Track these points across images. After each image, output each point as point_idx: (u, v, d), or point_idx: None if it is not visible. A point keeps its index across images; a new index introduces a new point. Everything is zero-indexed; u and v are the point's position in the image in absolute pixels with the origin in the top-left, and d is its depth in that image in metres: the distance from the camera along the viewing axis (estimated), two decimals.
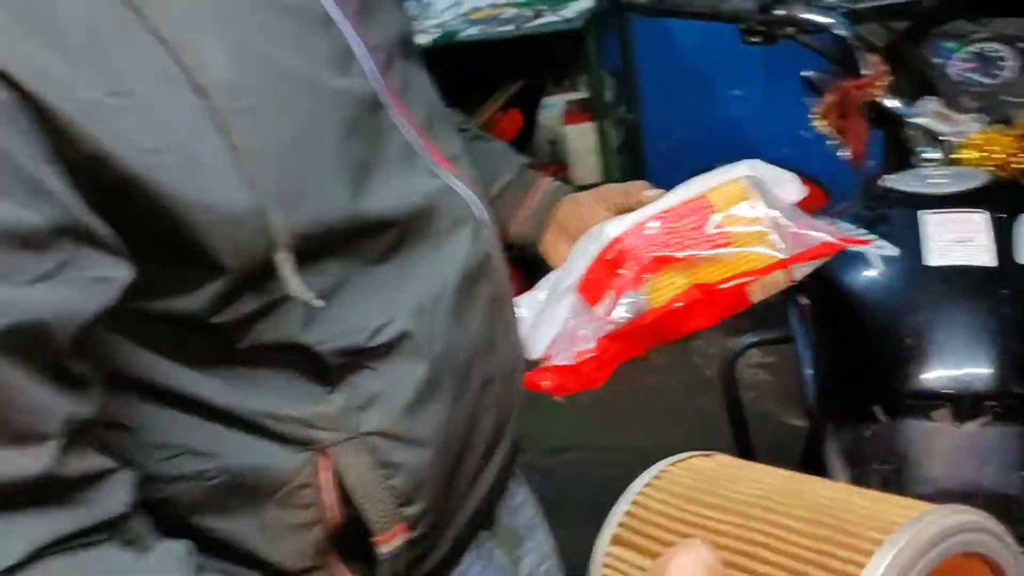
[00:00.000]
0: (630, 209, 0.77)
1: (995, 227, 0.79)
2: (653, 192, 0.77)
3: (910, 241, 0.81)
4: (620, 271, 0.70)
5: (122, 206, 0.49)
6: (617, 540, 0.41)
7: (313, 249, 0.55)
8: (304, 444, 0.58)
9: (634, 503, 0.41)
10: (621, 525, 0.41)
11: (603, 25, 2.50)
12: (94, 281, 0.48)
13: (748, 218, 0.68)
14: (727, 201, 0.70)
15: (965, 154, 0.96)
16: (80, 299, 0.48)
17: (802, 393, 0.92)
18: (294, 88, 0.54)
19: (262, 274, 0.53)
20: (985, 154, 0.94)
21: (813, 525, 0.35)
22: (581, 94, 2.61)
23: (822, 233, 0.68)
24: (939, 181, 0.87)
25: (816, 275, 0.72)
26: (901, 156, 1.05)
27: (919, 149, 1.03)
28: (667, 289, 0.69)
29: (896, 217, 0.86)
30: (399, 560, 0.62)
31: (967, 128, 1.00)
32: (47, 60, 0.46)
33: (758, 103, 2.70)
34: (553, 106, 2.72)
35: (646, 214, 0.72)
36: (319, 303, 0.54)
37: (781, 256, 0.67)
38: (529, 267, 0.89)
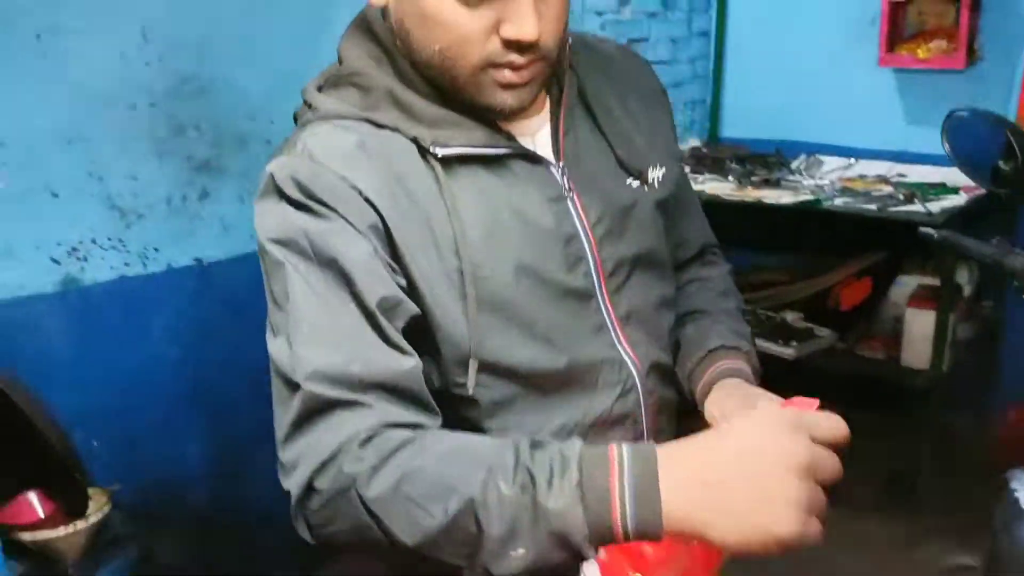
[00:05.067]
0: None
1: None
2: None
3: None
4: None
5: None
6: None
7: (497, 371, 0.88)
8: None
9: None
10: None
11: (971, 221, 2.52)
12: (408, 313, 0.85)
13: None
14: None
15: None
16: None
17: None
18: (523, 276, 0.88)
19: (461, 372, 0.87)
20: None
21: None
22: (933, 280, 2.65)
23: None
24: None
25: None
26: None
27: None
28: None
29: None
30: None
31: None
32: (399, 213, 0.84)
33: None
34: (906, 284, 2.78)
35: None
36: (469, 393, 0.87)
37: None
38: None
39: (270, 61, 2.08)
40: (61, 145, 1.78)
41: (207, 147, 2.00)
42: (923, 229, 1.30)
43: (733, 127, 3.46)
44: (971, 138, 1.25)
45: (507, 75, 0.85)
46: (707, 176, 2.87)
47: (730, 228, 3.32)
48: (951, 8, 2.90)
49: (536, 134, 0.94)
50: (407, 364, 0.83)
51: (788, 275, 3.08)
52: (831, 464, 0.68)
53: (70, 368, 1.85)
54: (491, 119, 0.90)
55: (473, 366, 0.87)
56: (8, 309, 1.74)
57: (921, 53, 2.93)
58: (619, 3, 3.00)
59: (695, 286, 1.15)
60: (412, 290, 0.86)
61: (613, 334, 0.95)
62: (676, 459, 0.69)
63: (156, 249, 1.96)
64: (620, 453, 0.70)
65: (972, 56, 2.87)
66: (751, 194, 2.69)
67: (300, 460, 0.79)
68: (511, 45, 0.83)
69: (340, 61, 0.93)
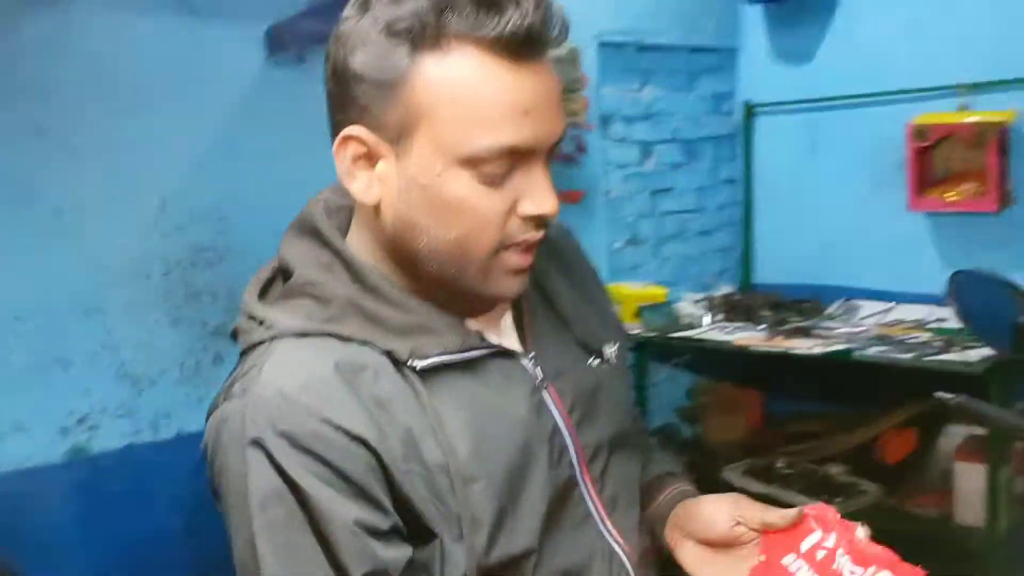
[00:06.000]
0: (755, 525, 0.91)
1: None
2: (778, 516, 0.90)
3: None
4: None
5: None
6: None
7: (494, 571, 0.81)
8: None
9: None
10: None
11: (1015, 368, 2.39)
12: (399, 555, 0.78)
13: None
14: None
15: None
16: (393, 555, 0.77)
17: None
18: (514, 481, 0.82)
19: None
20: None
21: None
22: (983, 430, 2.50)
23: None
24: None
25: None
26: None
27: None
28: None
29: None
30: None
31: None
32: (389, 444, 0.78)
33: None
34: (954, 435, 2.63)
35: None
36: None
37: None
38: None
39: (285, 226, 2.12)
40: (76, 317, 1.82)
41: (221, 312, 2.02)
42: (939, 394, 1.23)
43: (767, 273, 3.41)
44: (982, 299, 1.19)
45: (515, 260, 0.82)
46: (737, 325, 2.81)
47: (768, 376, 3.27)
48: (978, 152, 2.87)
49: (500, 324, 0.90)
50: None
51: (829, 425, 2.95)
52: None
53: (73, 538, 1.81)
54: (459, 317, 0.86)
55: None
56: (12, 482, 1.73)
57: (951, 197, 2.89)
58: (642, 156, 3.04)
59: None
60: (415, 520, 0.79)
61: (600, 523, 0.90)
62: None
63: (167, 415, 1.95)
64: None
65: (1005, 199, 2.81)
66: (781, 344, 2.61)
67: None
68: (530, 221, 0.81)
69: (285, 267, 0.88)
